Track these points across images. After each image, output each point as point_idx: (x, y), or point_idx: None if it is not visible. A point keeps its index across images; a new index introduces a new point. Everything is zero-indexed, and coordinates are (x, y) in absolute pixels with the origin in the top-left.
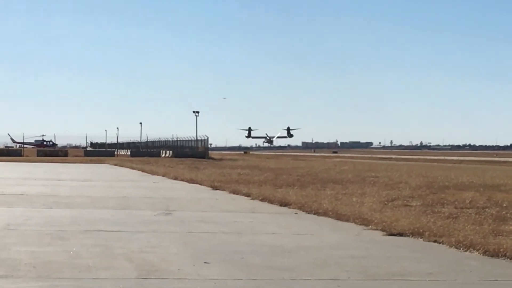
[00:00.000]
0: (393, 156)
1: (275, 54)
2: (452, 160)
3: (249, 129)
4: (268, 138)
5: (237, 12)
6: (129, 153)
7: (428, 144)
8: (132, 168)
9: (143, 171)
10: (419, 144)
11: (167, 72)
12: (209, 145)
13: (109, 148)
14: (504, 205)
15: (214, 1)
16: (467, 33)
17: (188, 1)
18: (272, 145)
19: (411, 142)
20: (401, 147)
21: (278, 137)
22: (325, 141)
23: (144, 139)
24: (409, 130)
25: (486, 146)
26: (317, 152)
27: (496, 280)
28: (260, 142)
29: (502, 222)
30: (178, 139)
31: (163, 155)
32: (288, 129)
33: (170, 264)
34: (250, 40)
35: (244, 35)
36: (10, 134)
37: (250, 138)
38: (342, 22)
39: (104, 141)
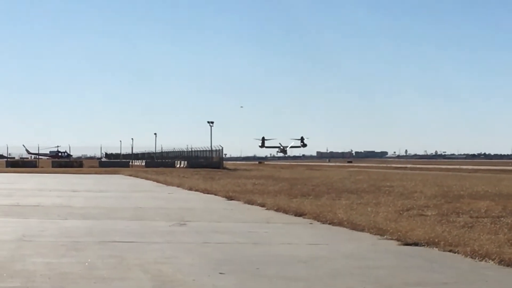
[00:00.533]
0: (408, 166)
1: (289, 64)
2: (467, 169)
3: (263, 139)
4: (281, 147)
5: (251, 24)
6: (144, 163)
7: (443, 153)
8: (147, 178)
9: (158, 181)
10: (434, 153)
11: (181, 83)
12: (223, 155)
13: (124, 159)
14: None
15: (227, 13)
16: (482, 42)
17: (201, 14)
18: (286, 155)
19: (426, 151)
20: (416, 156)
21: (291, 147)
22: (340, 151)
23: (158, 150)
24: (424, 139)
25: (501, 155)
26: (331, 162)
27: None
28: (274, 152)
29: None
30: (193, 149)
31: (178, 166)
32: (302, 139)
33: (185, 274)
34: (264, 50)
35: (258, 45)
36: (25, 145)
37: (264, 148)
38: (356, 32)
39: (119, 152)
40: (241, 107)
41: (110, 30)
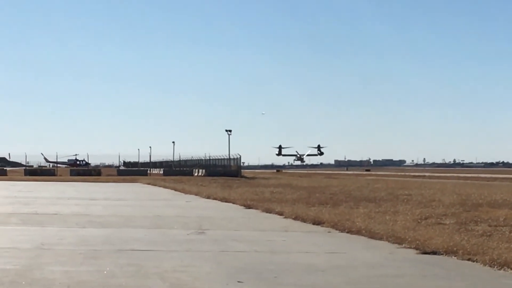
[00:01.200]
0: (426, 174)
1: (308, 72)
2: (486, 177)
3: (280, 147)
4: (298, 155)
5: (269, 31)
6: (162, 172)
7: (461, 162)
8: (165, 187)
9: (176, 190)
10: (452, 162)
11: (199, 91)
12: (241, 164)
13: (142, 167)
14: None
15: (245, 21)
16: (499, 51)
17: (218, 22)
18: (304, 163)
19: (444, 159)
20: (434, 164)
21: (308, 155)
22: (358, 159)
23: (176, 158)
24: (442, 147)
25: None
26: (349, 170)
27: None
28: (292, 160)
29: None
30: (211, 157)
31: (196, 174)
32: (319, 147)
33: (203, 283)
34: (283, 58)
35: (275, 53)
36: (43, 153)
37: (281, 156)
38: (375, 40)
39: (137, 160)
40: (263, 113)
41: (128, 39)
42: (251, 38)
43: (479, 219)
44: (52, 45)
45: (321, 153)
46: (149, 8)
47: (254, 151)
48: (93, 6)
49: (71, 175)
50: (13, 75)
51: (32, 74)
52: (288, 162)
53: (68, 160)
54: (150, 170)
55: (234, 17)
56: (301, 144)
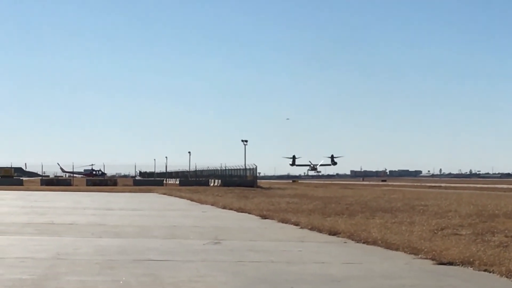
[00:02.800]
0: (443, 185)
1: (324, 83)
2: (502, 188)
3: (293, 157)
4: (312, 165)
5: (284, 41)
6: (178, 182)
7: (478, 172)
8: (181, 197)
9: (192, 200)
10: (468, 172)
11: (215, 101)
12: (257, 174)
13: (158, 177)
14: None
15: (259, 30)
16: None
17: (232, 31)
18: (320, 174)
19: (460, 170)
20: (450, 175)
21: (321, 165)
22: (374, 170)
23: (192, 168)
24: (459, 158)
25: None
26: (365, 181)
27: None
28: (307, 171)
29: None
30: (227, 168)
31: (212, 184)
32: (332, 157)
33: None
34: (299, 67)
35: (292, 62)
36: (59, 163)
37: (295, 166)
38: (389, 49)
39: (153, 170)
40: (287, 119)
41: (143, 50)
42: (266, 49)
43: (495, 230)
44: (68, 56)
45: (335, 163)
46: (165, 19)
47: (270, 162)
48: (112, 18)
49: (87, 185)
50: (29, 86)
51: (48, 85)
52: (304, 173)
53: (84, 170)
54: (166, 180)
55: (249, 28)
56: (317, 155)
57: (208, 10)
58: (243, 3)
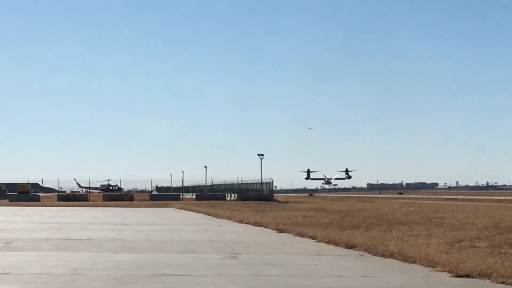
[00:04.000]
0: (459, 197)
1: (339, 94)
2: None
3: (308, 171)
4: (326, 179)
5: (297, 55)
6: (194, 196)
7: (495, 184)
8: (198, 211)
9: (208, 214)
10: (485, 185)
11: (231, 115)
12: (274, 188)
13: (174, 192)
14: None
15: (275, 45)
16: None
17: (249, 47)
18: (336, 187)
19: (477, 182)
20: (467, 187)
21: (336, 178)
22: (390, 182)
23: (209, 183)
24: (475, 170)
25: None
26: (382, 194)
27: None
28: (321, 184)
29: None
30: (243, 182)
31: (228, 198)
32: (347, 171)
33: None
34: (313, 81)
35: (309, 76)
36: (76, 179)
37: (310, 180)
38: (403, 59)
39: (170, 185)
40: (310, 128)
41: (157, 64)
42: (282, 63)
43: None
44: (85, 74)
45: (349, 177)
46: (180, 35)
47: (286, 175)
48: (126, 29)
49: (104, 200)
50: (46, 102)
51: (65, 101)
52: (321, 186)
53: (101, 185)
54: (182, 195)
55: (265, 42)
56: (334, 167)
57: (223, 25)
58: (258, 18)
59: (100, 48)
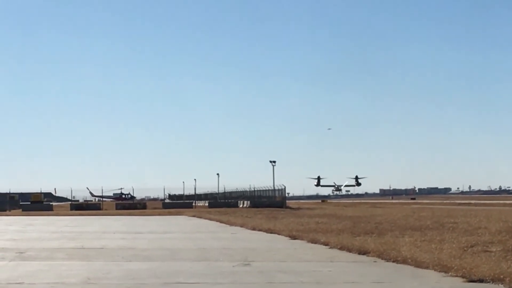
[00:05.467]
0: (472, 201)
1: (352, 100)
2: None
3: (318, 178)
4: (336, 186)
5: (309, 61)
6: (207, 204)
7: (508, 188)
8: (210, 219)
9: (221, 222)
10: (498, 189)
11: (242, 122)
12: (286, 194)
13: (187, 200)
14: None
15: (285, 50)
16: None
17: (259, 52)
18: (349, 193)
19: (489, 186)
20: (479, 192)
21: (346, 186)
22: (403, 188)
23: (221, 190)
24: (488, 174)
25: None
26: (395, 199)
27: None
28: (331, 191)
29: None
30: (256, 189)
31: (241, 206)
32: (356, 178)
33: None
34: (325, 87)
35: (318, 82)
36: (89, 188)
37: (320, 187)
38: (411, 61)
39: (182, 193)
40: (329, 129)
41: (167, 73)
42: (294, 69)
43: None
44: (96, 82)
45: (359, 184)
46: (187, 44)
47: (299, 182)
48: (136, 33)
49: (116, 209)
50: (58, 112)
51: (77, 110)
52: (333, 192)
53: (114, 194)
54: (195, 203)
55: (273, 50)
56: (346, 173)
57: (233, 30)
58: (267, 22)
59: (110, 57)
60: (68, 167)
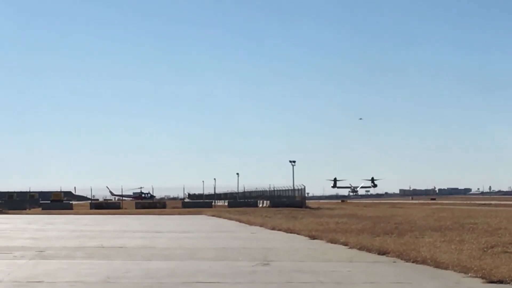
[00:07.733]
0: (493, 202)
1: (371, 102)
2: None
3: (335, 179)
4: (352, 188)
5: (328, 62)
6: (226, 203)
7: None
8: (230, 218)
9: (240, 221)
10: None
11: (263, 122)
12: (306, 194)
13: (206, 199)
14: None
15: (305, 50)
16: None
17: (280, 55)
18: (369, 193)
19: (510, 187)
20: (500, 192)
21: (362, 187)
22: (423, 188)
23: (241, 190)
24: (509, 175)
25: None
26: (414, 199)
27: None
28: (350, 193)
29: None
30: (275, 188)
31: (260, 205)
32: (372, 179)
33: None
34: (344, 87)
35: (337, 81)
36: (108, 187)
37: (336, 188)
38: (431, 62)
39: (202, 192)
40: (360, 119)
41: (187, 72)
42: (313, 69)
43: None
44: (113, 82)
45: (375, 185)
46: (208, 44)
47: (319, 182)
48: (145, 34)
49: (136, 208)
50: (78, 112)
51: (96, 110)
52: (348, 193)
53: (133, 193)
54: (214, 202)
55: (293, 50)
56: (366, 174)
57: (250, 34)
58: (293, 28)
59: (122, 59)
60: (88, 166)
